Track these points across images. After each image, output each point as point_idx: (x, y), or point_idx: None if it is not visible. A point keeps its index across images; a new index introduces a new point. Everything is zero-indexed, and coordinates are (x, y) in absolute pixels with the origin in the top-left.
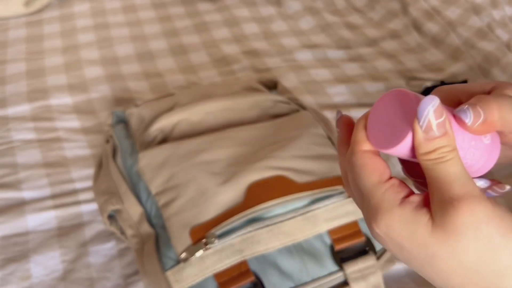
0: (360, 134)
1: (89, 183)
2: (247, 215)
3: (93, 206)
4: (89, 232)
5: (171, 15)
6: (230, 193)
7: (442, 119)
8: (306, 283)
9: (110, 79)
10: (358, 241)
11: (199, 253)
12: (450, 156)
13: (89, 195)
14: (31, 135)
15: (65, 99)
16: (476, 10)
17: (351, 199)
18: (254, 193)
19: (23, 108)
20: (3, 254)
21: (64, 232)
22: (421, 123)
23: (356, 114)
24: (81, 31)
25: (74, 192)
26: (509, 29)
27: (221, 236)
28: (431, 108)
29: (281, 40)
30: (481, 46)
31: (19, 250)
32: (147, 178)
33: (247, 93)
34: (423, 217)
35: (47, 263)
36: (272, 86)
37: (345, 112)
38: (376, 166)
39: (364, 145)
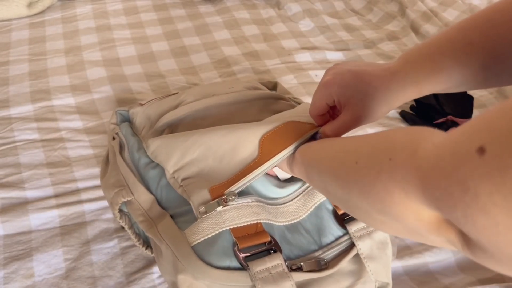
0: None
1: (91, 183)
2: (264, 170)
3: (96, 205)
4: (91, 231)
5: (172, 17)
6: (244, 151)
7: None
8: (315, 251)
9: (112, 80)
10: None
11: (219, 208)
12: None
13: (92, 194)
14: (34, 135)
15: (67, 100)
16: (473, 11)
17: None
18: (268, 145)
19: (26, 108)
20: (6, 252)
21: (66, 231)
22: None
23: None
24: (83, 32)
25: (77, 191)
26: None
27: (240, 194)
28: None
29: (280, 42)
30: None
31: (22, 248)
32: (161, 159)
33: (250, 90)
34: None
35: (50, 261)
36: (271, 87)
37: None
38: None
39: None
